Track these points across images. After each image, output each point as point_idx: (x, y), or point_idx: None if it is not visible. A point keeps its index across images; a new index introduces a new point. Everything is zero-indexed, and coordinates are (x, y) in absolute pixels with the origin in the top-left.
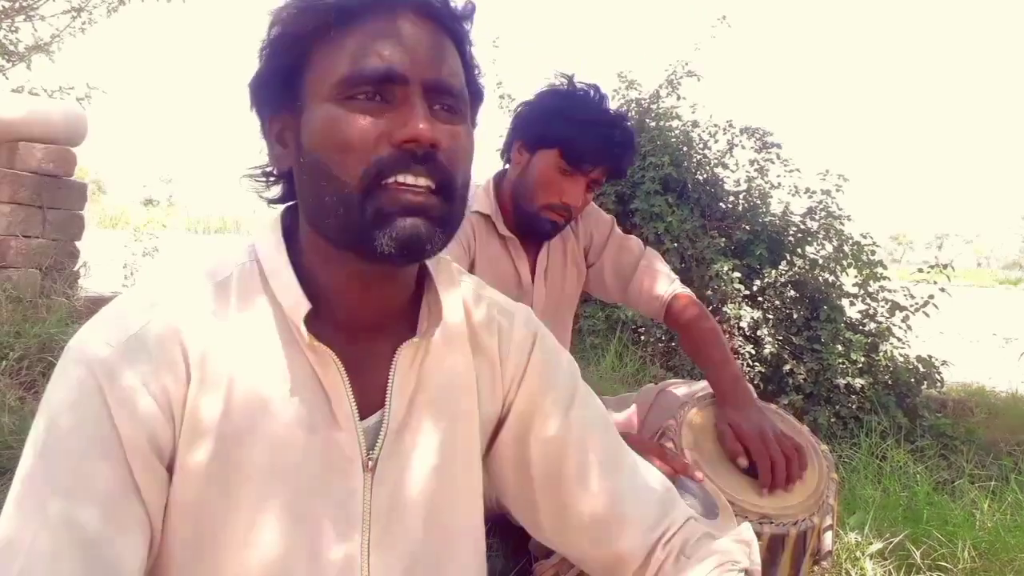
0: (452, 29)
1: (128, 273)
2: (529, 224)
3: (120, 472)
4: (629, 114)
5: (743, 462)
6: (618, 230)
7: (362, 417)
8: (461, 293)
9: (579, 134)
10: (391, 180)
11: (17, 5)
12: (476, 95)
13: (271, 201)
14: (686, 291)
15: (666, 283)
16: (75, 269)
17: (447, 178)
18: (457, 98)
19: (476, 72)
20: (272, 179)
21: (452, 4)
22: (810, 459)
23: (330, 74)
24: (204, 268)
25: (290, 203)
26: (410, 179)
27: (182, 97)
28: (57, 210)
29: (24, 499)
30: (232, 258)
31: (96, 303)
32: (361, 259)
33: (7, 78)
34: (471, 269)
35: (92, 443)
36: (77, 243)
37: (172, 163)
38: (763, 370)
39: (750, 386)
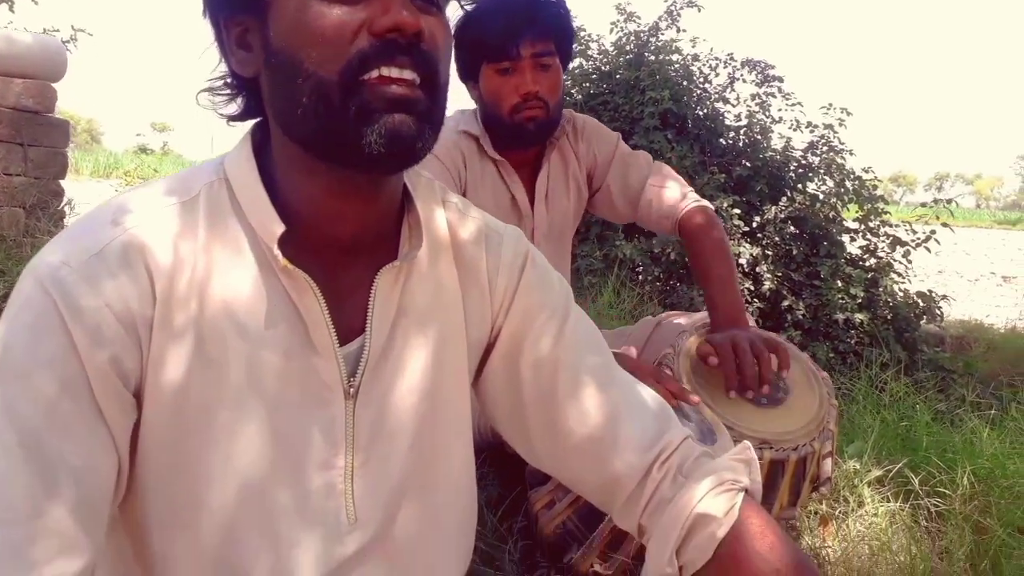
0: None
1: None
2: (514, 137)
3: (82, 395)
4: (627, 48)
5: (714, 360)
6: (624, 146)
7: (342, 344)
8: (445, 211)
9: (483, 33)
10: (374, 74)
11: None
12: None
13: (231, 118)
14: (701, 203)
15: (678, 197)
16: (59, 208)
17: (431, 70)
18: None
19: None
20: (233, 91)
21: None
22: (808, 380)
23: None
24: (170, 186)
25: (257, 119)
26: (395, 71)
27: (174, 41)
28: (39, 147)
29: None
30: (200, 176)
31: None
32: (345, 164)
33: None
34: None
35: (51, 365)
36: (61, 181)
37: (166, 110)
38: (762, 306)
39: (746, 314)
